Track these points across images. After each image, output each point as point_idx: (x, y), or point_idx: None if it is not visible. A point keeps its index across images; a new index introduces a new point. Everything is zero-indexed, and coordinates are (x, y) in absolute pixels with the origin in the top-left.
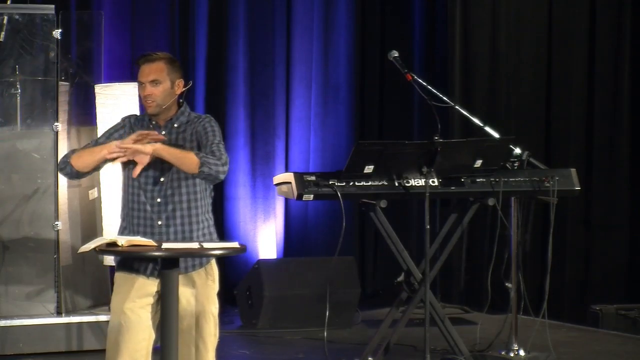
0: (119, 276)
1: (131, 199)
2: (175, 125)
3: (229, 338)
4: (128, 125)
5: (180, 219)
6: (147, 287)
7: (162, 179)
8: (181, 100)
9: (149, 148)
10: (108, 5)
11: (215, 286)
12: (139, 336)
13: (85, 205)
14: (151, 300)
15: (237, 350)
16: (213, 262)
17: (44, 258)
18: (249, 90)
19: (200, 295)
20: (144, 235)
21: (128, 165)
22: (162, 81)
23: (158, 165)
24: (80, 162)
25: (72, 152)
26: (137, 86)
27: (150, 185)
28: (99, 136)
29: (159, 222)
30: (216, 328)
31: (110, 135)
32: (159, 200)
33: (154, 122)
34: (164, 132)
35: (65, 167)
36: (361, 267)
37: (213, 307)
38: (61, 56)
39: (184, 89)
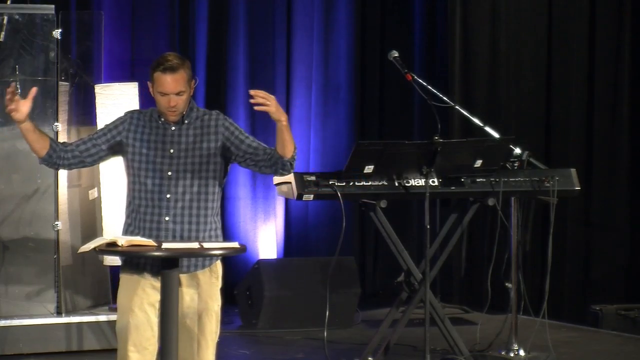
0: (124, 277)
1: (138, 195)
2: (186, 121)
3: (229, 338)
4: (128, 121)
5: (189, 217)
6: (153, 286)
7: (169, 173)
8: None
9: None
10: (108, 5)
11: (218, 283)
12: (147, 333)
13: (85, 205)
14: (158, 297)
15: (237, 350)
16: (218, 260)
17: (44, 258)
18: (249, 90)
19: (204, 292)
20: (150, 231)
21: (133, 162)
22: (186, 90)
23: (166, 160)
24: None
25: None
26: (136, 86)
27: (159, 179)
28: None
29: (167, 218)
30: (218, 325)
31: (109, 130)
32: (168, 196)
33: (162, 119)
34: (173, 128)
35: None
36: (361, 267)
37: (216, 304)
38: (61, 56)
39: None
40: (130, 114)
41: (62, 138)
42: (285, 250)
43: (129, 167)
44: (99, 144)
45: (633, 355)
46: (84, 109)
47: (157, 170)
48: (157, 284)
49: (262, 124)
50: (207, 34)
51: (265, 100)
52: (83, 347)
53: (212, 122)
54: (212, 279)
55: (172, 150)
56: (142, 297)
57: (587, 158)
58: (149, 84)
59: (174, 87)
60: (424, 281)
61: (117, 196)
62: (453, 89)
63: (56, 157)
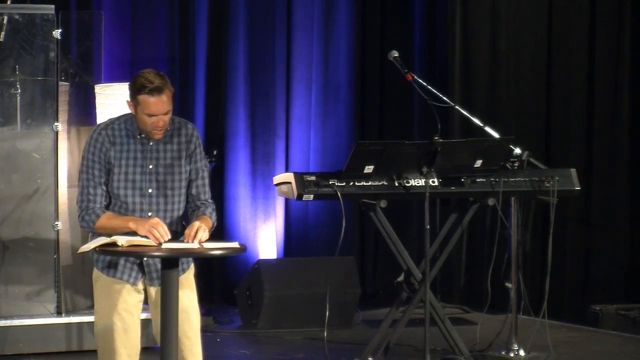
0: (103, 280)
1: (118, 210)
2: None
3: (229, 338)
4: (107, 141)
5: (170, 234)
6: (135, 289)
7: (150, 190)
8: None
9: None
10: (108, 5)
11: (193, 277)
12: (133, 335)
13: None
14: (141, 298)
15: (237, 350)
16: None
17: (44, 258)
18: (249, 90)
19: (186, 289)
20: None
21: (112, 181)
22: (171, 108)
23: (146, 177)
24: (105, 231)
25: (96, 215)
26: None
27: (139, 197)
28: (83, 166)
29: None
30: (199, 318)
31: (98, 163)
32: (150, 214)
33: (142, 135)
34: (151, 143)
35: (89, 229)
36: (361, 267)
37: (196, 299)
38: (61, 56)
39: None
40: (105, 132)
41: (62, 138)
42: (285, 250)
43: (108, 182)
44: (103, 178)
45: (633, 355)
46: (84, 109)
47: (137, 188)
48: (139, 286)
49: (262, 124)
50: (207, 34)
51: (201, 235)
52: (83, 347)
53: (189, 137)
54: (190, 275)
55: (150, 167)
56: (126, 299)
57: (587, 158)
58: (130, 103)
59: (162, 108)
60: (424, 281)
61: None
62: (453, 89)
63: None
